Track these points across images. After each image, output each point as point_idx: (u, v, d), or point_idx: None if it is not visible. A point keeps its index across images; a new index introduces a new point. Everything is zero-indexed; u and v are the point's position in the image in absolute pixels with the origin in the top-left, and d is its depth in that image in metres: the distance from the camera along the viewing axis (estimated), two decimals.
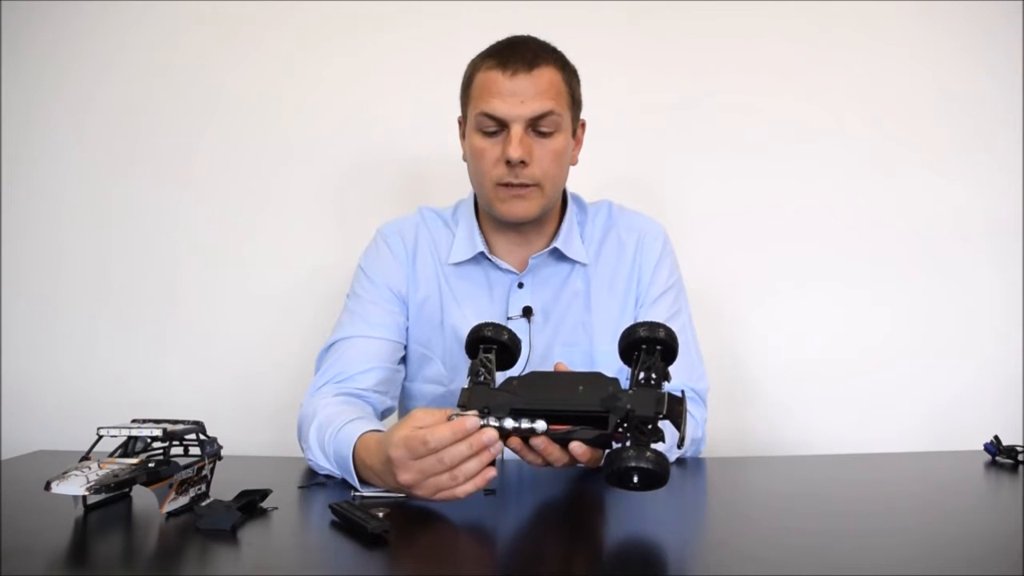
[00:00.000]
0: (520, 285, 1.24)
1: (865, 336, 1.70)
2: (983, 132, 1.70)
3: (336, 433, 1.02)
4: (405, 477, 0.85)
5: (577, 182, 1.31)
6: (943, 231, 1.71)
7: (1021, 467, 1.06)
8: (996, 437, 1.13)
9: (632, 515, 0.87)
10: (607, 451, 0.83)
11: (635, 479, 0.77)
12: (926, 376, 1.69)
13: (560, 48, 1.21)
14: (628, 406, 0.81)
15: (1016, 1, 1.69)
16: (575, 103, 1.21)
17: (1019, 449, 1.10)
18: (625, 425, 0.82)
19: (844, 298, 1.71)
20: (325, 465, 1.03)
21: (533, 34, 1.20)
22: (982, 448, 1.13)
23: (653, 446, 0.78)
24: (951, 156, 1.71)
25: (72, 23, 1.74)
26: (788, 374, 1.70)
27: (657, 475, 0.77)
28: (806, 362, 1.70)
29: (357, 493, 0.92)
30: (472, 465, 0.82)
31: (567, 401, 0.86)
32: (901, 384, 1.69)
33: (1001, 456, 1.10)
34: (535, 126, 1.14)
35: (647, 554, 0.77)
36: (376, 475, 0.93)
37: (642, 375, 0.85)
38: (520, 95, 1.13)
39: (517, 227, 1.23)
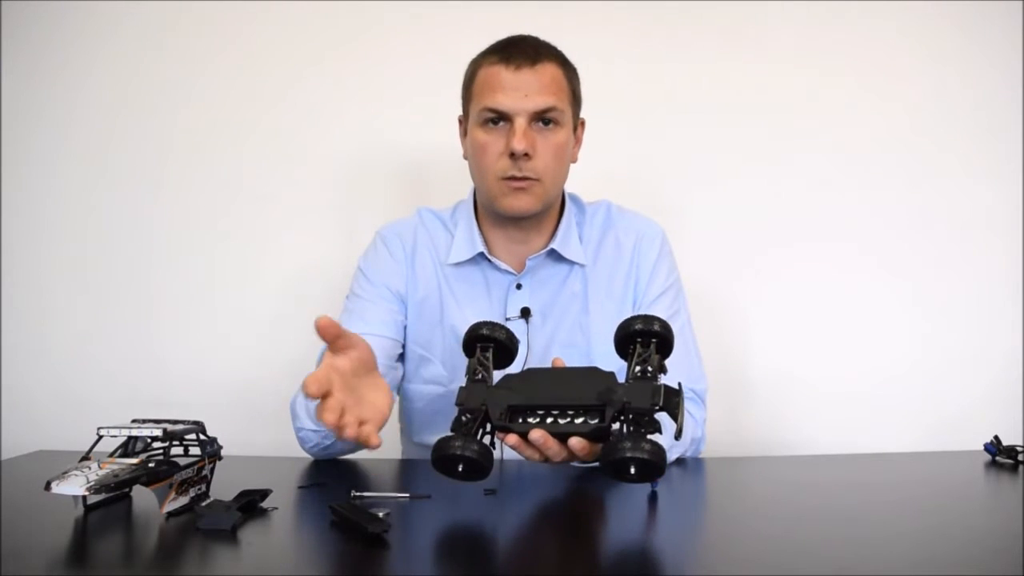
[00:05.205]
0: (518, 286, 1.25)
1: (865, 336, 1.70)
2: (988, 134, 1.70)
3: None
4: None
5: (576, 181, 1.31)
6: (943, 232, 1.70)
7: (1021, 467, 1.06)
8: (996, 437, 1.12)
9: (632, 515, 0.87)
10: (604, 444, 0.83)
11: (632, 470, 0.77)
12: (926, 376, 1.68)
13: (560, 47, 1.21)
14: (624, 398, 0.82)
15: (1017, 1, 1.69)
16: (576, 100, 1.22)
17: (1019, 449, 1.10)
18: (622, 418, 0.82)
19: (844, 298, 1.71)
20: (311, 426, 1.08)
21: (533, 33, 1.21)
22: (982, 448, 1.13)
23: (649, 437, 0.79)
24: (952, 158, 1.71)
25: (64, 22, 1.74)
26: (788, 374, 1.70)
27: (654, 465, 0.77)
28: (806, 362, 1.70)
29: (357, 493, 0.92)
30: None
31: (564, 396, 0.86)
32: (900, 384, 1.69)
33: (1001, 456, 1.10)
34: (538, 120, 1.15)
35: (647, 554, 0.77)
36: None
37: (638, 368, 0.85)
38: (524, 89, 1.14)
39: (516, 224, 1.23)
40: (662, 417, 0.83)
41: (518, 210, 1.19)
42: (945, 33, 1.71)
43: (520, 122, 1.14)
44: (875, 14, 1.70)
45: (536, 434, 0.85)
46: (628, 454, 0.77)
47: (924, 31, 1.71)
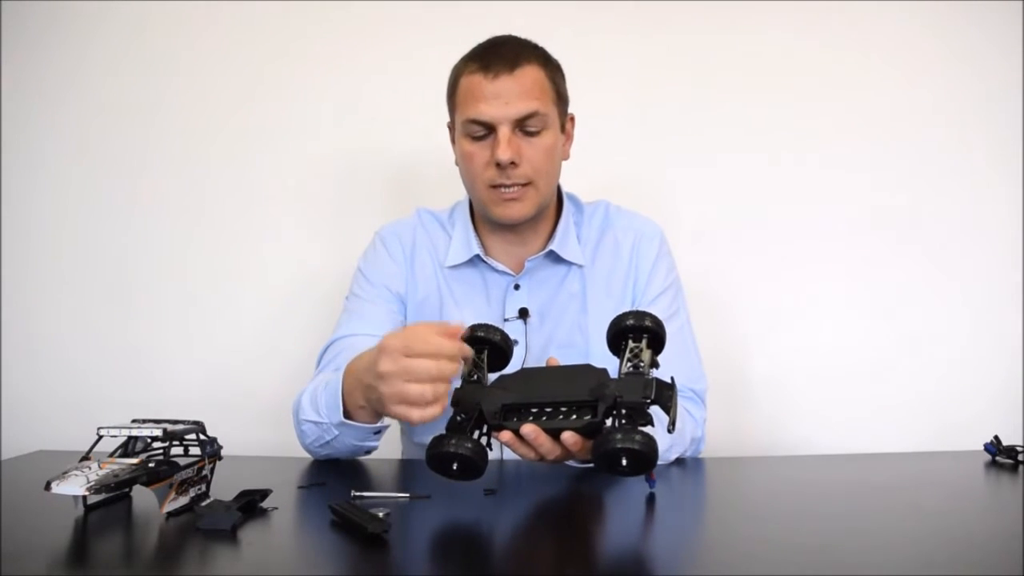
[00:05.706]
0: (516, 287, 1.25)
1: (865, 336, 1.70)
2: (994, 134, 1.70)
3: (328, 381, 1.05)
4: (385, 366, 0.87)
5: (575, 181, 1.30)
6: (943, 231, 1.70)
7: (1021, 467, 1.06)
8: (996, 437, 1.12)
9: (631, 515, 0.87)
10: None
11: (624, 461, 0.78)
12: (926, 376, 1.69)
13: (558, 47, 1.21)
14: (616, 393, 0.82)
15: (1017, 1, 1.69)
16: (561, 99, 1.21)
17: (1019, 449, 1.09)
18: (615, 412, 0.82)
19: (844, 298, 1.71)
20: (314, 417, 1.06)
21: (531, 33, 1.20)
22: (982, 448, 1.13)
23: (642, 429, 0.79)
24: (950, 157, 1.71)
25: (59, 20, 1.73)
26: (787, 374, 1.70)
27: (645, 456, 0.77)
28: (805, 362, 1.70)
29: (357, 493, 0.92)
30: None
31: (557, 393, 0.87)
32: (901, 384, 1.69)
33: (1001, 456, 1.10)
34: (522, 126, 1.15)
35: (645, 554, 0.77)
36: (358, 378, 0.96)
37: (630, 364, 0.85)
38: (504, 97, 1.13)
39: (513, 228, 1.23)
40: (656, 412, 0.83)
41: (511, 218, 1.19)
42: (951, 31, 1.70)
43: (503, 130, 1.14)
44: (878, 13, 1.70)
45: (527, 428, 0.85)
46: (619, 445, 0.77)
47: (927, 29, 1.71)
